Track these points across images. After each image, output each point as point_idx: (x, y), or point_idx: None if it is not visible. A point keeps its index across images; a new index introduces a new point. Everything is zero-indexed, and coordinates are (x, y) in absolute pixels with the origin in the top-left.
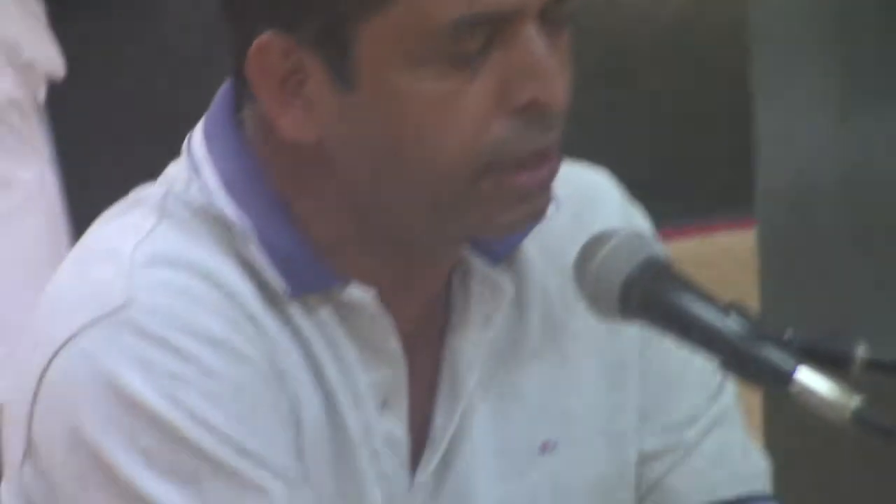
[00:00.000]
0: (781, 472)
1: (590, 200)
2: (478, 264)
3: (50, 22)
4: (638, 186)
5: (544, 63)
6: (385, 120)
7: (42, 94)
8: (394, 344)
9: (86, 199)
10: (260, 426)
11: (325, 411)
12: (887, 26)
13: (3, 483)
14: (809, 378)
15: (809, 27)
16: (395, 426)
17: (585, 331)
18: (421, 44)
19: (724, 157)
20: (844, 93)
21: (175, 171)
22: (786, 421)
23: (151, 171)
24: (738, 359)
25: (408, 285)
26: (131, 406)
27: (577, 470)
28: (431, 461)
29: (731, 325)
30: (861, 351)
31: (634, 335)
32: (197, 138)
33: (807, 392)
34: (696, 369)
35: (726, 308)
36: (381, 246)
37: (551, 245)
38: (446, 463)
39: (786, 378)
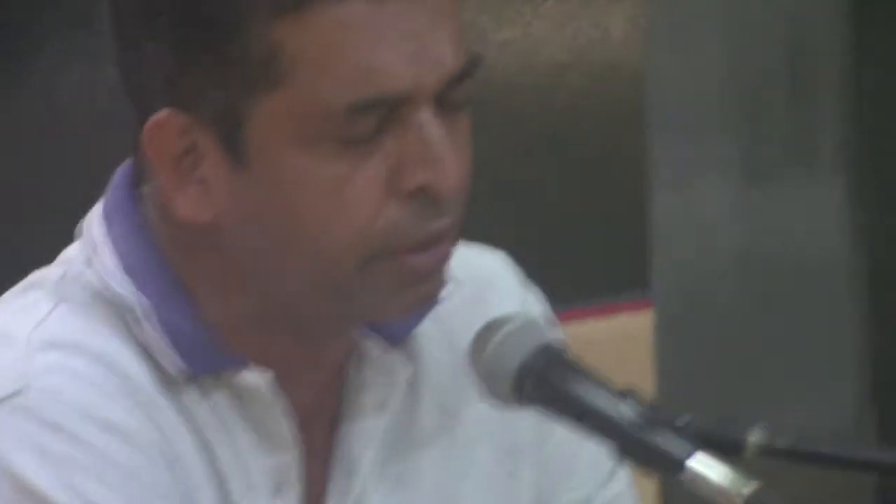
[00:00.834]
0: None
1: (486, 283)
2: (373, 349)
3: None
4: (535, 268)
5: (438, 148)
6: (277, 201)
7: None
8: (288, 428)
9: None
10: None
11: (218, 497)
12: (788, 110)
13: None
14: (703, 464)
15: (706, 109)
16: None
17: (480, 416)
18: (314, 125)
19: (621, 238)
20: (740, 171)
21: (73, 252)
22: None
23: (48, 253)
24: (632, 445)
25: (304, 368)
26: (26, 492)
27: None
28: None
29: (625, 411)
30: (754, 436)
31: (529, 421)
32: (95, 218)
33: (700, 479)
34: (590, 455)
35: (621, 394)
36: (277, 328)
37: (447, 327)
38: None
39: (679, 465)
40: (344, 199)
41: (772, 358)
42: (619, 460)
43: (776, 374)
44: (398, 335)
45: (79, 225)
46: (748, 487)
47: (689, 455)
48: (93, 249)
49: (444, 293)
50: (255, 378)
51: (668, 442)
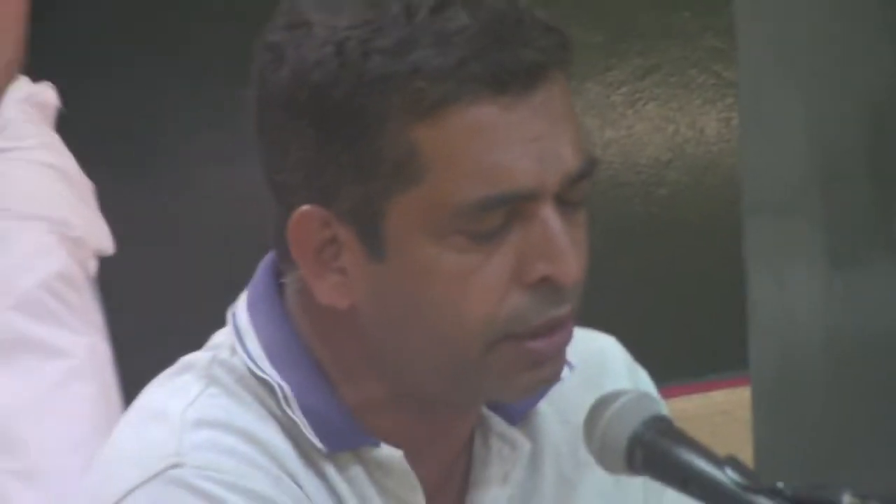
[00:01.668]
0: None
1: (599, 365)
2: (497, 424)
3: (99, 200)
4: (641, 349)
5: (559, 241)
6: (411, 290)
7: (93, 268)
8: (419, 499)
9: (136, 367)
10: None
11: None
12: (869, 194)
13: None
14: None
15: (793, 197)
16: None
17: (594, 483)
18: (446, 220)
19: (720, 320)
20: (830, 258)
21: (220, 338)
22: None
23: (197, 339)
24: None
25: (432, 443)
26: None
27: None
28: None
29: (727, 477)
30: (846, 499)
31: (639, 487)
32: (241, 308)
33: None
34: None
35: (723, 462)
36: (407, 407)
37: (563, 405)
38: None
39: None
40: (472, 288)
41: (862, 428)
42: None
43: (867, 442)
44: (518, 413)
45: (228, 311)
46: None
47: None
48: (239, 336)
49: (563, 375)
50: (387, 454)
51: None
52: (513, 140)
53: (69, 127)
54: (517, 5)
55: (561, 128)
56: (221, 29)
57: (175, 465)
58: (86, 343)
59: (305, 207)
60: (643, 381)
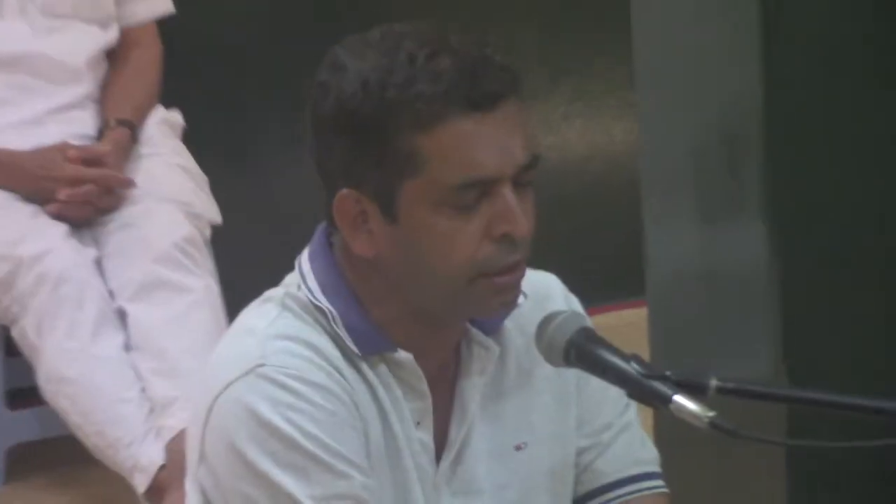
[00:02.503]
0: (666, 458)
1: (544, 294)
2: (476, 334)
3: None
4: (575, 282)
5: (514, 210)
6: (416, 243)
7: (208, 234)
8: (424, 386)
9: (237, 299)
10: (345, 437)
11: (382, 429)
12: (727, 171)
13: (187, 477)
14: (682, 401)
15: (677, 177)
16: (426, 436)
17: (543, 374)
18: (438, 197)
19: (628, 262)
20: (701, 217)
21: (290, 279)
22: (669, 426)
23: (279, 280)
24: (637, 389)
25: (432, 347)
26: (264, 426)
27: (539, 461)
28: (448, 457)
29: (632, 368)
30: (713, 382)
31: (573, 375)
32: (304, 258)
33: (680, 409)
34: (611, 395)
35: (629, 357)
36: (416, 322)
37: (521, 322)
38: (458, 458)
39: (667, 401)
40: (457, 241)
41: (727, 333)
42: (629, 399)
43: (730, 344)
44: (490, 328)
45: (296, 260)
46: (711, 413)
47: (673, 395)
48: (302, 277)
49: (519, 301)
50: (403, 356)
51: (660, 387)
52: (483, 143)
53: (191, 138)
54: (484, 52)
55: (515, 135)
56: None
57: (261, 365)
58: (203, 284)
59: (344, 190)
60: (574, 304)
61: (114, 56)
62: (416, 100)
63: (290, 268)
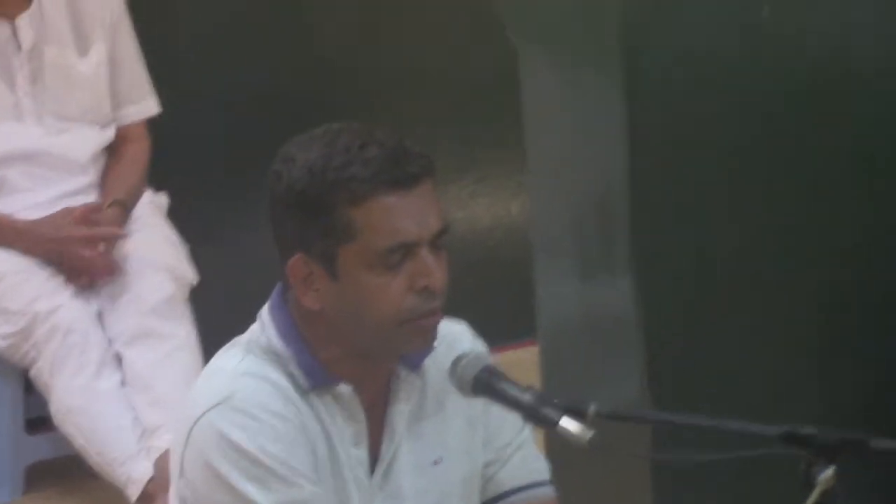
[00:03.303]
0: (556, 468)
1: (455, 339)
2: (403, 370)
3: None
4: (479, 327)
5: (431, 267)
6: (355, 297)
7: (188, 292)
8: (361, 413)
9: (211, 344)
10: (297, 454)
11: (327, 448)
12: (595, 238)
13: (171, 489)
14: (567, 423)
15: (558, 240)
16: (362, 454)
17: (455, 403)
18: (370, 259)
19: (523, 311)
20: (580, 273)
21: (254, 328)
22: (557, 442)
23: (242, 329)
24: (531, 414)
25: (368, 381)
26: (233, 447)
27: (453, 472)
28: (380, 471)
29: (528, 397)
30: (592, 408)
31: (480, 403)
32: (265, 311)
33: (565, 431)
34: (510, 419)
35: (525, 389)
36: (355, 360)
37: (438, 360)
38: (388, 471)
39: (554, 423)
40: (387, 294)
41: (606, 367)
42: (525, 422)
43: (609, 377)
44: (414, 365)
45: (258, 313)
46: (590, 434)
47: (559, 418)
48: (263, 327)
49: (436, 343)
50: (344, 389)
51: (549, 412)
52: (405, 214)
53: (175, 214)
54: (404, 143)
55: (431, 207)
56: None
57: (230, 397)
58: (185, 332)
59: (295, 255)
60: (480, 346)
61: (110, 149)
62: (350, 181)
63: (254, 319)
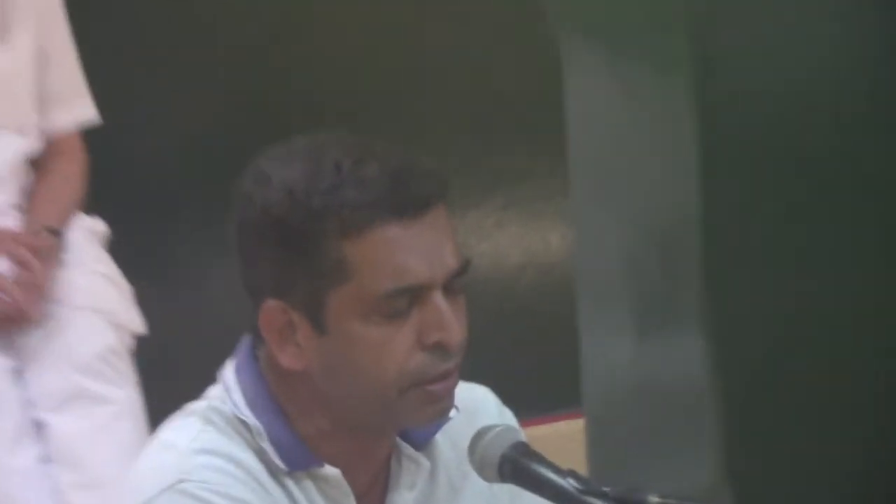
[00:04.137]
0: None
1: (476, 408)
2: (406, 448)
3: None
4: (508, 393)
5: (446, 318)
6: (346, 355)
7: (131, 343)
8: (352, 502)
9: (159, 410)
10: None
11: None
12: (664, 283)
13: None
14: None
15: (612, 284)
16: None
17: (474, 489)
18: (368, 306)
19: (562, 374)
20: (637, 329)
21: (213, 391)
22: None
23: (200, 392)
24: None
25: (361, 462)
26: None
27: None
28: None
29: (569, 484)
30: (653, 499)
31: (506, 491)
32: (228, 370)
33: None
34: None
35: (566, 473)
36: (344, 436)
37: (452, 436)
38: None
39: None
40: (387, 352)
41: (664, 449)
42: None
43: (668, 460)
44: (422, 442)
45: (219, 372)
46: None
47: None
48: (227, 391)
49: (451, 414)
50: (330, 472)
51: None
52: (411, 249)
53: (115, 247)
54: (410, 158)
55: (445, 240)
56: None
57: (182, 481)
58: (125, 395)
59: (271, 301)
60: (508, 417)
61: (38, 165)
62: (342, 207)
63: (214, 380)
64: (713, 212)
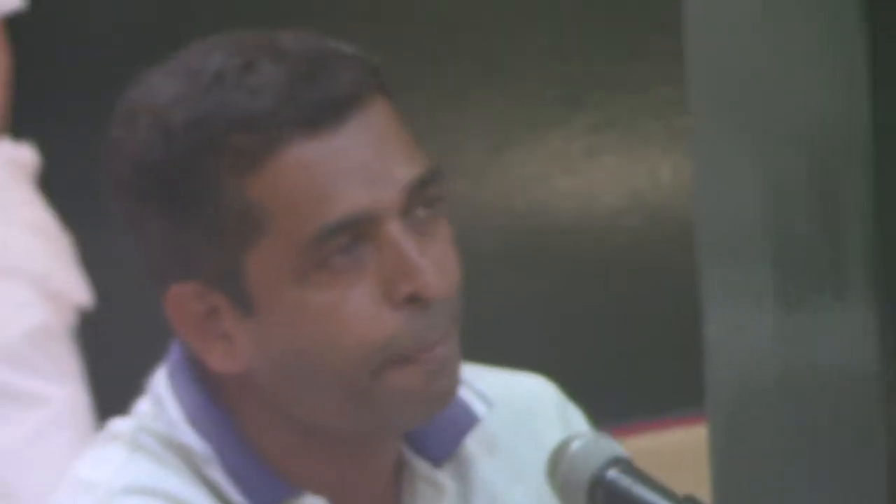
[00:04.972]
0: None
1: (526, 405)
2: (421, 467)
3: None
4: (601, 389)
5: (413, 260)
6: (287, 335)
7: (72, 321)
8: None
9: (117, 412)
10: None
11: None
12: (817, 239)
13: None
14: None
15: (749, 241)
16: None
17: None
18: (297, 259)
19: (676, 361)
20: (781, 300)
21: (143, 406)
22: None
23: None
24: None
25: (354, 486)
26: None
27: None
28: None
29: None
30: None
31: None
32: (160, 377)
33: None
34: None
35: (681, 501)
36: (320, 450)
37: (490, 443)
38: None
39: None
40: (342, 319)
41: (815, 462)
42: None
43: (819, 476)
44: (442, 456)
45: (149, 381)
46: None
47: None
48: (160, 405)
49: (482, 415)
50: (311, 502)
51: None
52: (336, 170)
53: (51, 182)
54: (321, 46)
55: (387, 148)
56: None
57: None
58: (65, 393)
59: (177, 286)
60: (575, 419)
61: None
62: (230, 132)
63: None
64: (889, 139)
